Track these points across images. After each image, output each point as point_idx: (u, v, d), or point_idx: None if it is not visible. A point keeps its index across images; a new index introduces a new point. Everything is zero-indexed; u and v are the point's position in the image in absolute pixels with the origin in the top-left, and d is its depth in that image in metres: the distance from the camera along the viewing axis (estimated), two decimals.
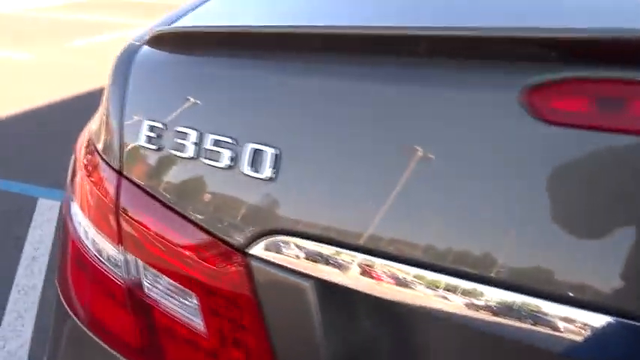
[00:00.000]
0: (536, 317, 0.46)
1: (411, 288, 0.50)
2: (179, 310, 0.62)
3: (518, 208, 0.45)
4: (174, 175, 0.61)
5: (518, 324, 0.47)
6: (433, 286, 0.49)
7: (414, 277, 0.50)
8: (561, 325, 0.45)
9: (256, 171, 0.55)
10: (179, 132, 0.60)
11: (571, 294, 0.44)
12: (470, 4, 0.62)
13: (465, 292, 0.48)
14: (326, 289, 0.55)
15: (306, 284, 0.55)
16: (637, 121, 0.42)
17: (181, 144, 0.60)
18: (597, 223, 0.44)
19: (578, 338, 0.45)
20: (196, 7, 0.78)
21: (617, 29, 0.43)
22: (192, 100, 0.61)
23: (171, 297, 0.62)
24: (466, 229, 0.47)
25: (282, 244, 0.55)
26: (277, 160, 0.54)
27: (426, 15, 0.62)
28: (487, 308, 0.48)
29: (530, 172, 0.45)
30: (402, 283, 0.51)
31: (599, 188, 0.43)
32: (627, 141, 0.42)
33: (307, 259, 0.54)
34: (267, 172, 0.55)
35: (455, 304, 0.49)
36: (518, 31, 0.46)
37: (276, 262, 0.56)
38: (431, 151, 0.48)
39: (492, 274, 0.46)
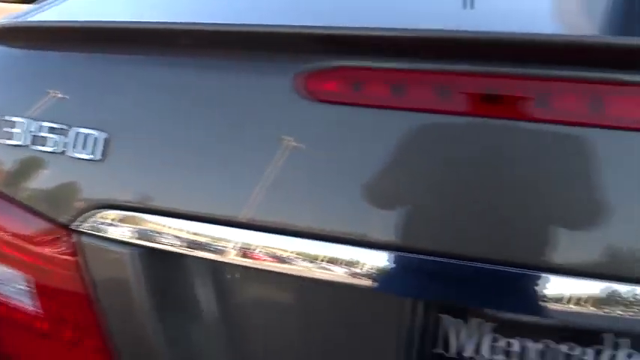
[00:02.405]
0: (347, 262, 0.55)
1: (225, 249, 0.58)
2: (13, 294, 0.65)
3: (301, 171, 0.55)
4: (3, 163, 0.66)
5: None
6: (246, 245, 0.57)
7: (229, 239, 0.58)
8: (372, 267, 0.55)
9: (85, 153, 0.61)
10: (8, 121, 0.64)
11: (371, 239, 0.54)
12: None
13: (282, 249, 0.57)
14: (152, 257, 0.61)
15: (132, 253, 0.61)
16: (373, 98, 0.54)
17: (11, 132, 0.64)
18: (363, 173, 0.54)
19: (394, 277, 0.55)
20: (46, 3, 0.82)
21: (363, 28, 0.53)
22: (25, 90, 0.66)
23: (3, 282, 0.66)
24: (245, 186, 0.56)
25: (107, 219, 0.61)
26: (106, 143, 0.60)
27: (228, 13, 0.74)
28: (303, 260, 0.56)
29: (303, 139, 0.55)
30: (217, 245, 0.58)
31: (352, 147, 0.55)
32: (366, 113, 0.54)
33: (132, 230, 0.60)
34: (95, 153, 0.61)
35: (268, 263, 0.57)
36: (290, 28, 0.55)
37: (103, 235, 0.61)
38: (232, 128, 0.57)
39: (297, 229, 0.56)
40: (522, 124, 0.51)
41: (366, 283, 0.55)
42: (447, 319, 0.57)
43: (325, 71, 0.54)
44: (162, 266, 0.62)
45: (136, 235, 0.61)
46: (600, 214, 0.50)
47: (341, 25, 0.53)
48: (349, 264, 0.55)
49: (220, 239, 0.58)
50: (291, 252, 0.57)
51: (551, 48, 0.49)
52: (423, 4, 0.71)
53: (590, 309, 0.53)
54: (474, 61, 0.51)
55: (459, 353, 0.58)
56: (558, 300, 0.53)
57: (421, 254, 0.53)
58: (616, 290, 0.51)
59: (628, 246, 0.49)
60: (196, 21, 0.60)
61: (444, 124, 0.53)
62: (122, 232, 0.61)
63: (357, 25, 0.53)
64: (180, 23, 0.60)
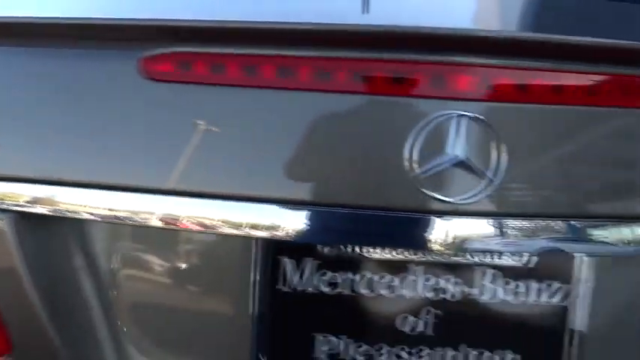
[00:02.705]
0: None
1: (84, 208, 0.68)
2: None
3: (143, 137, 0.67)
4: None
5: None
6: (100, 203, 0.68)
7: (84, 198, 0.68)
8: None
9: None
10: None
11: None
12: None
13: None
14: (24, 221, 0.70)
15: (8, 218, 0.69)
16: (197, 76, 0.66)
17: None
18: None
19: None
20: None
21: (188, 20, 0.64)
22: None
23: None
24: (98, 154, 0.67)
25: None
26: None
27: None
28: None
29: (144, 111, 0.67)
30: (79, 206, 0.68)
31: (183, 116, 0.66)
32: (192, 88, 0.66)
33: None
34: None
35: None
36: (133, 21, 0.65)
37: None
38: (87, 105, 0.68)
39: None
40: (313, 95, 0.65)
41: (220, 229, 0.67)
42: (284, 260, 0.71)
43: (160, 56, 0.65)
44: (34, 230, 0.71)
45: (7, 202, 0.69)
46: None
47: (172, 18, 0.64)
48: (201, 214, 0.67)
49: (79, 200, 0.68)
50: (144, 207, 0.67)
51: (368, 35, 0.61)
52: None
53: (395, 242, 0.69)
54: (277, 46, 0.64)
55: (296, 288, 0.72)
56: (370, 235, 0.67)
57: (259, 202, 0.66)
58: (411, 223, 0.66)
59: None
60: (55, 15, 0.68)
61: (247, 95, 0.65)
62: None
63: (187, 17, 0.64)
64: (39, 17, 0.68)
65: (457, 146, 0.62)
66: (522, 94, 0.63)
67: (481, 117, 0.62)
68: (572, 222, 0.68)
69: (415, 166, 0.63)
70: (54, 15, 0.68)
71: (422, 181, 0.63)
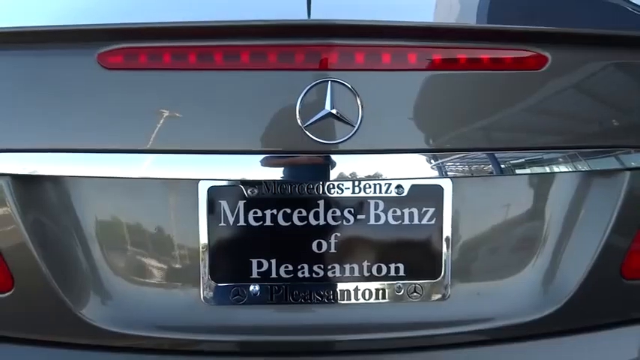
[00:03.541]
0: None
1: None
2: None
3: (105, 111, 0.91)
4: None
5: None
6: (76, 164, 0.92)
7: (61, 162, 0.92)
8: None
9: None
10: None
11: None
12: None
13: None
14: (19, 181, 0.91)
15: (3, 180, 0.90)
16: (141, 64, 0.91)
17: None
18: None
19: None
20: None
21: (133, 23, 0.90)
22: None
23: None
24: (70, 126, 0.91)
25: None
26: None
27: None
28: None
29: (102, 93, 0.91)
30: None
31: (132, 94, 0.91)
32: (139, 73, 0.92)
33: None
34: None
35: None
36: (92, 25, 0.91)
37: None
38: (58, 90, 0.92)
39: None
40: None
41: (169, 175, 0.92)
42: (222, 202, 0.94)
43: (113, 50, 0.89)
44: (26, 188, 0.92)
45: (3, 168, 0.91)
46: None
47: (119, 22, 0.89)
48: (159, 167, 0.91)
49: (55, 162, 0.92)
50: (113, 164, 0.91)
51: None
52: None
53: (304, 182, 0.92)
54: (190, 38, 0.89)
55: (232, 224, 0.95)
56: (274, 170, 0.91)
57: (201, 153, 0.91)
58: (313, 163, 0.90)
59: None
60: (41, 24, 0.93)
61: (179, 76, 0.90)
62: None
63: (131, 21, 0.90)
64: (30, 26, 0.93)
65: (331, 103, 0.88)
66: (375, 65, 0.89)
67: (347, 83, 0.88)
68: (428, 155, 0.93)
69: (302, 119, 0.88)
70: (40, 24, 0.94)
71: (307, 129, 0.88)
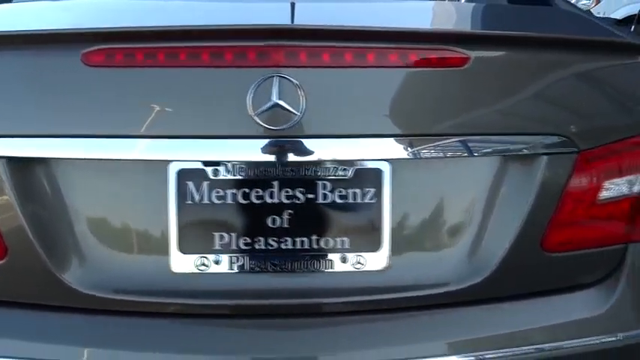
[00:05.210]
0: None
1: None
2: None
3: (85, 100, 1.06)
4: None
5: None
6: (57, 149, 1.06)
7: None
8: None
9: None
10: None
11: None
12: None
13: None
14: (13, 163, 1.04)
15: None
16: (118, 62, 1.05)
17: None
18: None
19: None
20: None
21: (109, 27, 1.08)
22: None
23: None
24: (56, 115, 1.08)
25: None
26: None
27: None
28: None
29: (86, 85, 1.06)
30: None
31: (110, 85, 1.06)
32: (116, 70, 1.06)
33: None
34: None
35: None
36: (77, 29, 1.08)
37: None
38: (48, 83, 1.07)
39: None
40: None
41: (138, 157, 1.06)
42: (188, 183, 1.08)
43: (95, 50, 1.03)
44: (19, 169, 1.04)
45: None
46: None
47: (101, 26, 1.06)
48: (128, 151, 1.06)
49: (43, 146, 1.06)
50: (92, 148, 1.05)
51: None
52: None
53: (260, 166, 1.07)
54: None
55: (198, 202, 1.08)
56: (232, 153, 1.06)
57: (171, 138, 1.05)
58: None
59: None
60: (36, 28, 1.10)
61: (150, 72, 1.05)
62: None
63: (111, 26, 1.06)
64: (29, 29, 1.10)
65: (277, 95, 1.02)
66: (317, 63, 1.04)
67: (292, 78, 1.03)
68: (367, 141, 1.07)
69: (254, 108, 1.03)
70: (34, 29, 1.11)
71: (258, 117, 1.03)
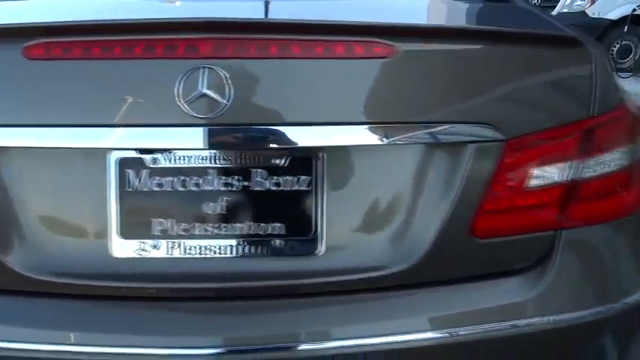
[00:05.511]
0: None
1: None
2: None
3: (30, 91, 1.11)
4: None
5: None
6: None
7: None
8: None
9: None
10: None
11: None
12: None
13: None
14: None
15: None
16: (56, 56, 1.09)
17: None
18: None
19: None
20: None
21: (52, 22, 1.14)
22: None
23: None
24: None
25: None
26: None
27: None
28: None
29: (26, 77, 1.11)
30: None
31: (50, 77, 1.12)
32: (55, 63, 1.11)
33: None
34: None
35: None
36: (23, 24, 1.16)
37: None
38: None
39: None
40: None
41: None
42: (128, 171, 1.13)
43: (35, 44, 1.07)
44: None
45: None
46: None
47: (41, 21, 1.11)
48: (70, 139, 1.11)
49: None
50: (37, 137, 1.10)
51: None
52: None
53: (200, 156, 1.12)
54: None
55: (137, 189, 1.14)
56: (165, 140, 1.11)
57: (112, 127, 1.10)
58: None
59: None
60: None
61: (88, 65, 1.09)
62: None
63: (50, 21, 1.10)
64: None
65: (204, 85, 1.07)
66: (244, 54, 1.08)
67: (219, 69, 1.07)
68: (299, 129, 1.11)
69: (183, 98, 1.07)
70: None
71: (185, 106, 1.08)
